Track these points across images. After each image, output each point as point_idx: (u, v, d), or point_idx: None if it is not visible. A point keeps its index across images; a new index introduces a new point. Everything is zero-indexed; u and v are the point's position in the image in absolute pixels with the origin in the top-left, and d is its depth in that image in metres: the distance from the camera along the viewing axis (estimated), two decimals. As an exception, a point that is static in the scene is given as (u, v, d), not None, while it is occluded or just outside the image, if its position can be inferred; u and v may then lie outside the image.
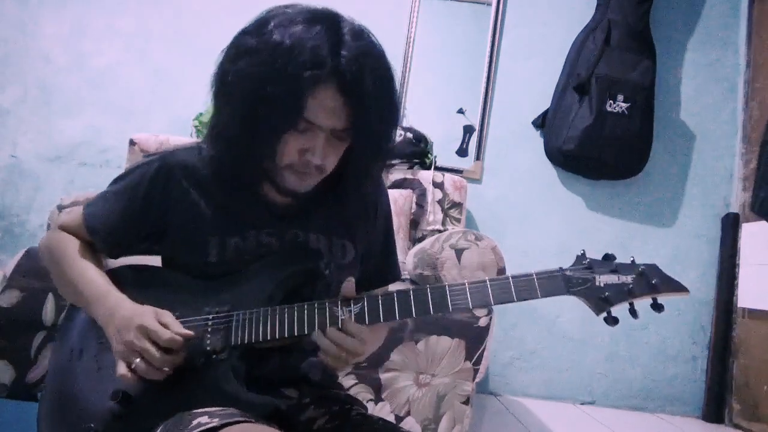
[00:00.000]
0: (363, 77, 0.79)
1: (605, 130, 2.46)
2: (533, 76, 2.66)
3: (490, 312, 1.56)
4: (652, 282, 0.79)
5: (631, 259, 0.83)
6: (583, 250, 0.84)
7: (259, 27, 0.82)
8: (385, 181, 1.08)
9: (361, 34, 0.82)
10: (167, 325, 0.80)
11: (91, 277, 0.90)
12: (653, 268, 0.81)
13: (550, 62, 2.65)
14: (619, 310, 0.80)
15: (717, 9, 2.73)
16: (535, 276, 0.81)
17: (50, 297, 1.45)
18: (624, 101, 2.46)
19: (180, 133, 2.32)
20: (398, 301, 0.81)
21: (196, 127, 2.29)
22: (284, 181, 0.86)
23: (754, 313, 2.39)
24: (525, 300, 0.81)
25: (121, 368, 0.79)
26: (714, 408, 2.47)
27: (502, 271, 1.63)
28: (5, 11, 2.58)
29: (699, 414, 2.53)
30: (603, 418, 2.32)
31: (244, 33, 0.84)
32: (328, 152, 0.84)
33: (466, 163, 2.61)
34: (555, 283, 0.80)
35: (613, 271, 0.81)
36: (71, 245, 0.95)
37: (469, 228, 2.28)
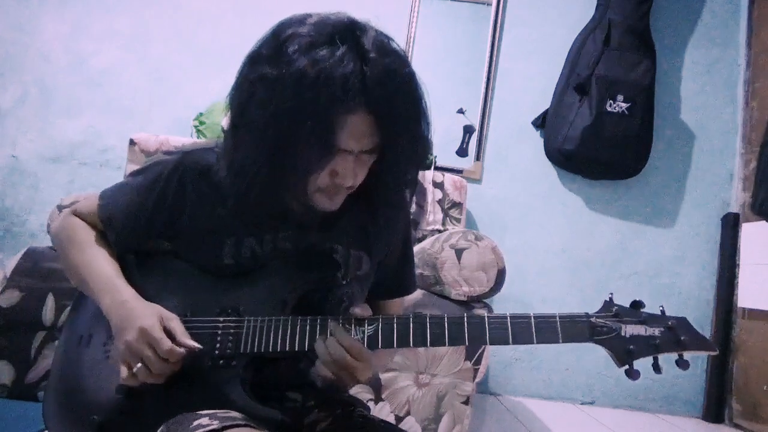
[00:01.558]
0: (391, 97, 0.75)
1: (605, 130, 2.46)
2: (533, 76, 2.66)
3: (490, 311, 1.56)
4: (681, 338, 0.76)
5: (661, 309, 0.79)
6: (611, 295, 0.81)
7: (277, 51, 0.76)
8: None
9: (385, 47, 0.78)
10: (172, 332, 0.79)
11: (99, 267, 0.89)
12: (683, 323, 0.78)
13: (550, 62, 2.65)
14: (642, 362, 0.77)
15: (717, 9, 2.73)
16: (558, 319, 0.78)
17: (50, 297, 1.45)
18: (624, 101, 2.46)
19: (180, 133, 2.32)
20: (413, 328, 0.80)
21: (195, 127, 2.29)
22: (315, 203, 0.84)
23: (754, 313, 2.39)
24: (544, 343, 0.77)
25: (123, 372, 0.79)
26: (714, 408, 2.47)
27: (502, 271, 1.63)
28: (5, 11, 2.58)
29: (699, 414, 2.53)
30: (603, 418, 2.32)
31: (260, 58, 0.77)
32: (357, 170, 0.82)
33: (466, 163, 2.61)
34: (578, 328, 0.77)
35: (641, 322, 0.78)
36: (83, 232, 0.94)
37: (469, 228, 2.28)
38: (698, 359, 2.56)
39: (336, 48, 0.74)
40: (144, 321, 0.79)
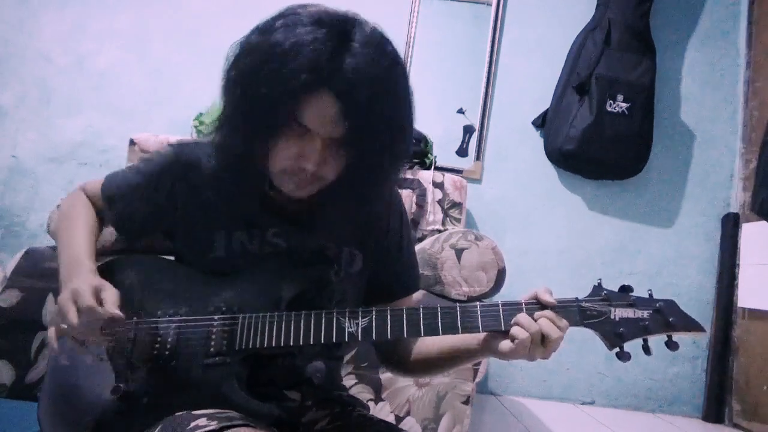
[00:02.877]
0: (362, 89, 0.74)
1: (605, 130, 2.46)
2: (533, 76, 2.66)
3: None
4: (669, 320, 0.78)
5: (649, 293, 0.81)
6: (600, 281, 0.82)
7: (268, 25, 0.79)
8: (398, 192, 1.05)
9: (374, 42, 0.78)
10: (103, 300, 0.80)
11: (75, 242, 0.91)
12: (671, 305, 0.79)
13: (550, 62, 2.65)
14: (632, 345, 0.78)
15: (717, 9, 2.73)
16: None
17: (50, 297, 1.45)
18: (624, 101, 2.46)
19: (180, 133, 2.32)
20: (407, 319, 0.80)
21: (195, 127, 2.29)
22: (281, 186, 0.84)
23: (754, 313, 2.39)
24: None
25: (51, 332, 0.81)
26: (714, 408, 2.47)
27: (502, 271, 1.63)
28: (5, 11, 2.58)
29: (699, 414, 2.53)
30: (603, 418, 2.32)
31: (255, 30, 0.82)
32: (326, 160, 0.80)
33: (466, 163, 2.61)
34: (569, 313, 0.79)
35: (630, 305, 0.79)
36: (80, 207, 0.98)
37: (469, 228, 2.28)
38: (698, 359, 2.57)
39: (319, 29, 0.75)
40: (77, 283, 0.80)
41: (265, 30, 0.79)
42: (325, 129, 0.77)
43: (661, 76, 2.59)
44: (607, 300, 0.80)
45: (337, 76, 0.74)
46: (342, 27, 0.77)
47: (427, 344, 0.95)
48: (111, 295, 0.81)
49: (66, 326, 0.78)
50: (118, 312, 0.79)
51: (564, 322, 0.78)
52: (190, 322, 0.83)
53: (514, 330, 0.77)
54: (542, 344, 0.76)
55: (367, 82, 0.74)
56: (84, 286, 0.80)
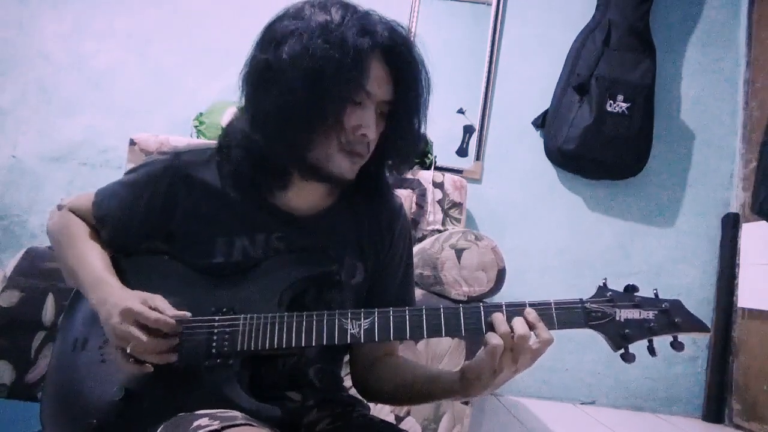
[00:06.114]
0: (401, 49, 0.83)
1: (605, 130, 2.46)
2: (533, 76, 2.66)
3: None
4: (675, 320, 0.77)
5: (655, 293, 0.80)
6: (605, 281, 0.81)
7: (296, 13, 0.83)
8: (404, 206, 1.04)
9: (380, 16, 0.86)
10: (158, 308, 0.79)
11: (90, 262, 0.89)
12: (677, 305, 0.78)
13: (550, 62, 2.64)
14: (637, 345, 0.77)
15: (717, 9, 2.73)
16: (553, 305, 0.78)
17: (50, 297, 1.45)
18: (624, 101, 2.46)
19: (180, 133, 2.32)
20: (410, 320, 0.79)
21: (196, 127, 2.29)
22: (336, 167, 0.84)
23: (754, 313, 2.39)
24: None
25: (119, 358, 0.79)
26: (714, 408, 2.47)
27: (502, 271, 1.63)
28: (5, 11, 2.58)
29: (699, 414, 2.53)
30: (603, 418, 2.32)
31: (278, 21, 0.83)
32: (377, 127, 0.86)
33: (466, 163, 2.61)
34: (574, 315, 0.78)
35: (635, 306, 0.78)
36: (77, 228, 0.95)
37: (469, 228, 2.28)
38: (698, 359, 2.57)
39: (346, 9, 0.83)
40: (126, 302, 0.79)
41: (296, 17, 0.82)
42: (381, 90, 0.83)
43: (661, 76, 2.59)
44: (612, 301, 0.79)
45: (384, 42, 0.82)
46: (355, 7, 0.84)
47: (405, 373, 0.94)
48: (162, 302, 0.81)
49: (134, 348, 0.77)
50: (181, 312, 0.79)
51: (547, 335, 0.76)
52: (191, 323, 0.83)
53: (487, 335, 0.76)
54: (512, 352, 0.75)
55: (401, 43, 0.84)
56: (133, 303, 0.79)
